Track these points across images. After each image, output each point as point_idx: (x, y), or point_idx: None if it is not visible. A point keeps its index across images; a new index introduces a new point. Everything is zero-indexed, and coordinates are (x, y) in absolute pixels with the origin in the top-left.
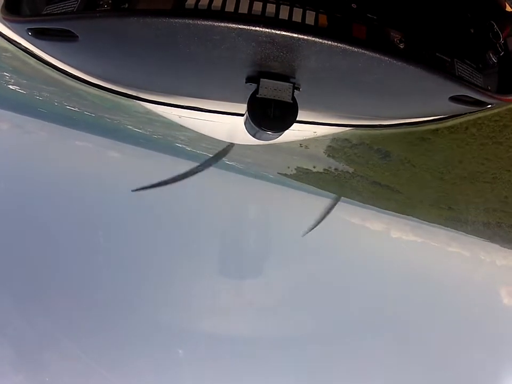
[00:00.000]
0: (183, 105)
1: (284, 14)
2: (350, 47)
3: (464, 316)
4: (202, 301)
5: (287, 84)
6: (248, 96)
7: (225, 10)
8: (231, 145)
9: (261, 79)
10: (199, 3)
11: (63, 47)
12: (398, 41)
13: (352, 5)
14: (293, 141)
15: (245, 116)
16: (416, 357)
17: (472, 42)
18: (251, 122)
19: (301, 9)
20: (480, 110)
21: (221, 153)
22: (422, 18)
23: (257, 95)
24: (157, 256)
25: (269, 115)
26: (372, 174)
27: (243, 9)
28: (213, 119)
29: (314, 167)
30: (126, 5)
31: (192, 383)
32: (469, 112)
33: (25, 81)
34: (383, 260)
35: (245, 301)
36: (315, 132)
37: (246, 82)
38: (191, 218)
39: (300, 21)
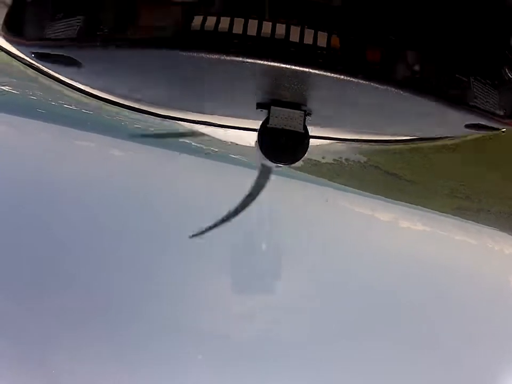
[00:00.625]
0: (200, 121)
1: (294, 36)
2: (364, 81)
3: (475, 306)
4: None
5: (299, 111)
6: (260, 124)
7: (233, 32)
8: (267, 174)
9: (272, 107)
10: (205, 24)
11: (69, 69)
12: (414, 66)
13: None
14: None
15: (255, 144)
16: (425, 349)
17: (488, 59)
18: (261, 154)
19: (312, 31)
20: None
21: (259, 183)
22: (439, 37)
23: (267, 125)
24: (167, 257)
25: (279, 147)
26: (383, 163)
27: (251, 31)
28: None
29: (323, 158)
30: (127, 32)
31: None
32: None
33: (14, 80)
34: (391, 250)
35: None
36: (318, 145)
37: (257, 108)
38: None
39: (311, 43)
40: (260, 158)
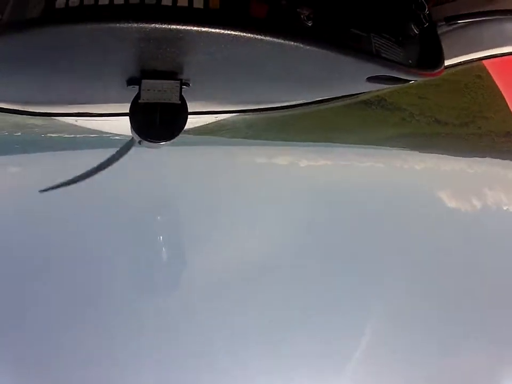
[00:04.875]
0: (73, 113)
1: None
2: (247, 34)
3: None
4: None
5: (173, 81)
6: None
7: (99, 3)
8: (133, 139)
9: (142, 80)
10: (70, 1)
11: None
12: (305, 18)
13: None
14: (194, 128)
15: (129, 125)
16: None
17: (391, 14)
18: (136, 135)
19: None
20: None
21: (124, 148)
22: None
23: (139, 100)
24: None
25: (155, 123)
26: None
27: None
28: (108, 119)
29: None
30: None
31: None
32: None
33: None
34: (295, 189)
35: None
36: (216, 117)
37: (127, 85)
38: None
39: (187, 5)
40: (135, 137)
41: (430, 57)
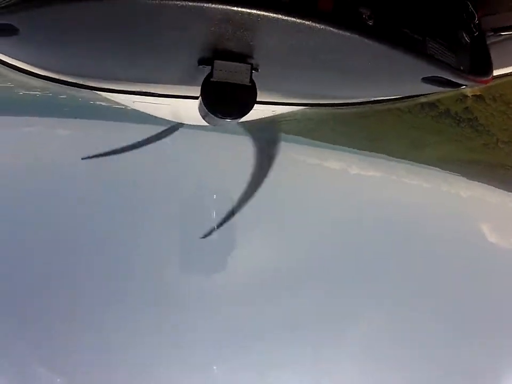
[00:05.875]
0: (135, 91)
1: None
2: (317, 24)
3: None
4: None
5: (245, 65)
6: (202, 80)
7: None
8: (179, 124)
9: (215, 61)
10: None
11: (5, 41)
12: (367, 18)
13: None
14: (251, 120)
15: (199, 101)
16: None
17: (445, 21)
18: (206, 110)
19: None
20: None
21: (171, 129)
22: None
23: (211, 79)
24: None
25: (225, 100)
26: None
27: None
28: (168, 103)
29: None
30: None
31: None
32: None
33: None
34: (341, 196)
35: None
36: (274, 111)
37: (198, 65)
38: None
39: None
40: (204, 115)
41: (479, 65)
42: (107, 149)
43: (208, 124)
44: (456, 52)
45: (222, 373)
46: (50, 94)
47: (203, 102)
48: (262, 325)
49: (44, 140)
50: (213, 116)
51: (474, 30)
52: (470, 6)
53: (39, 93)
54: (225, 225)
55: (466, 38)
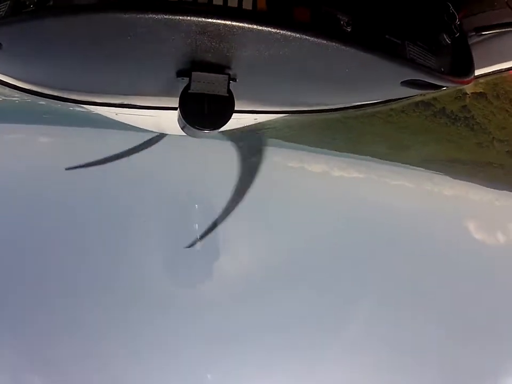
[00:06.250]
0: (117, 104)
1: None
2: (293, 33)
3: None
4: None
5: (222, 75)
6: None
7: None
8: (162, 134)
9: (193, 73)
10: None
11: None
12: (345, 24)
13: None
14: (232, 129)
15: (177, 113)
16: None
17: (425, 23)
18: (184, 121)
19: None
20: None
21: (151, 141)
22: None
23: (189, 91)
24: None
25: (203, 112)
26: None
27: None
28: (150, 114)
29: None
30: (51, 2)
31: None
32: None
33: None
34: (325, 199)
35: None
36: (256, 119)
37: (177, 77)
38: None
39: (237, 6)
40: (182, 127)
41: (461, 66)
42: (90, 157)
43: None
44: (437, 53)
45: (215, 379)
46: (29, 100)
47: (181, 114)
48: (251, 329)
49: (26, 148)
50: (191, 127)
51: (455, 31)
52: (451, 7)
53: (18, 99)
54: (211, 233)
55: (447, 40)
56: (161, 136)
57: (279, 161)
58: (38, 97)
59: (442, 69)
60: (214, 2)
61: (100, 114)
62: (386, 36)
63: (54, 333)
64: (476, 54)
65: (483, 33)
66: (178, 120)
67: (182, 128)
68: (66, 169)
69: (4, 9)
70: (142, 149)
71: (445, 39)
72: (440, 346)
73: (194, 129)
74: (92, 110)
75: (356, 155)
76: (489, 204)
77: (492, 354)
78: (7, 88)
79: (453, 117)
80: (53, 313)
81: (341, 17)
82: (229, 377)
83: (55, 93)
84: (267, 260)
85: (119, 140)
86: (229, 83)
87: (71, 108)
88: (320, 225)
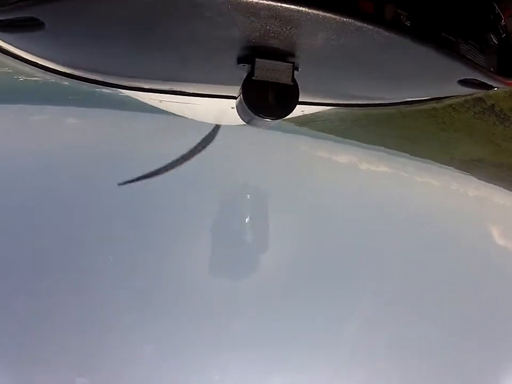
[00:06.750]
0: (165, 90)
1: None
2: (358, 22)
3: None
4: None
5: (286, 64)
6: (242, 78)
7: None
8: (217, 127)
9: (256, 59)
10: None
11: (31, 37)
12: (404, 19)
13: None
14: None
15: (238, 100)
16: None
17: (474, 23)
18: (247, 109)
19: None
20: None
21: (209, 137)
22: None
23: (252, 77)
24: None
25: (267, 100)
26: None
27: None
28: (198, 102)
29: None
30: None
31: None
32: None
33: None
34: (350, 192)
35: None
36: (303, 111)
37: (238, 63)
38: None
39: None
40: (243, 115)
41: (507, 67)
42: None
43: (244, 124)
44: (486, 53)
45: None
46: (53, 80)
47: (244, 101)
48: (263, 331)
49: (52, 130)
50: (254, 115)
51: (501, 31)
52: (497, 8)
53: (40, 79)
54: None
55: (494, 40)
56: (215, 130)
57: (305, 150)
58: (79, 81)
59: (491, 69)
60: None
61: (129, 97)
62: (443, 33)
63: (64, 322)
64: None
65: None
66: (237, 107)
67: (242, 117)
68: (119, 184)
69: None
70: (201, 149)
71: (492, 39)
72: (452, 348)
73: (256, 118)
74: (135, 96)
75: (382, 148)
76: None
77: (501, 356)
78: (29, 66)
79: (502, 116)
80: (71, 298)
81: (401, 12)
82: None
83: (98, 78)
84: (289, 251)
85: (149, 123)
86: (293, 72)
87: (97, 89)
88: (344, 219)
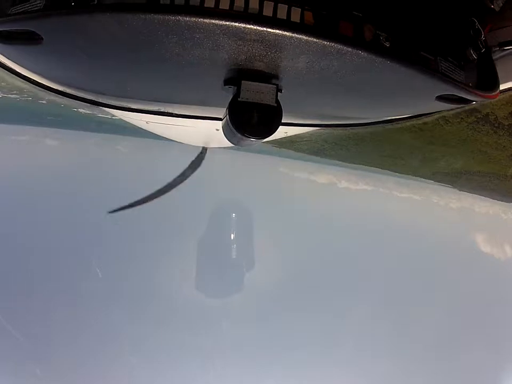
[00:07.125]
0: (154, 111)
1: (267, 10)
2: (337, 45)
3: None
4: None
5: (271, 85)
6: (228, 100)
7: (205, 6)
8: (204, 150)
9: (243, 81)
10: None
11: (26, 51)
12: (384, 40)
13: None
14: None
15: (224, 121)
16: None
17: (453, 39)
18: (233, 129)
19: (286, 6)
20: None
21: (196, 161)
22: (405, 17)
23: (238, 99)
24: None
25: (252, 120)
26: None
27: (224, 4)
28: (184, 124)
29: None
30: (96, 1)
31: None
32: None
33: None
34: (333, 210)
35: None
36: (286, 132)
37: (225, 85)
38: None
39: (285, 18)
40: (229, 135)
41: (487, 81)
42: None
43: (226, 147)
44: (465, 69)
45: None
46: (30, 98)
47: (230, 121)
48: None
49: (32, 151)
50: (240, 135)
51: (481, 46)
52: (477, 23)
53: (18, 96)
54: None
55: (473, 55)
56: (203, 153)
57: (285, 172)
58: (70, 99)
59: (470, 84)
60: (264, 13)
61: (109, 118)
62: (421, 52)
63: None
64: (499, 69)
65: (506, 48)
66: (224, 128)
67: (227, 137)
68: (109, 212)
69: (40, 3)
70: (191, 173)
71: (471, 54)
72: (443, 352)
73: (242, 138)
74: (123, 116)
75: (361, 166)
76: (496, 217)
77: (490, 358)
78: (21, 81)
79: (496, 124)
80: (70, 304)
81: (380, 33)
82: None
83: (88, 96)
84: (273, 266)
85: (128, 146)
86: (277, 93)
87: (75, 110)
88: (325, 236)
